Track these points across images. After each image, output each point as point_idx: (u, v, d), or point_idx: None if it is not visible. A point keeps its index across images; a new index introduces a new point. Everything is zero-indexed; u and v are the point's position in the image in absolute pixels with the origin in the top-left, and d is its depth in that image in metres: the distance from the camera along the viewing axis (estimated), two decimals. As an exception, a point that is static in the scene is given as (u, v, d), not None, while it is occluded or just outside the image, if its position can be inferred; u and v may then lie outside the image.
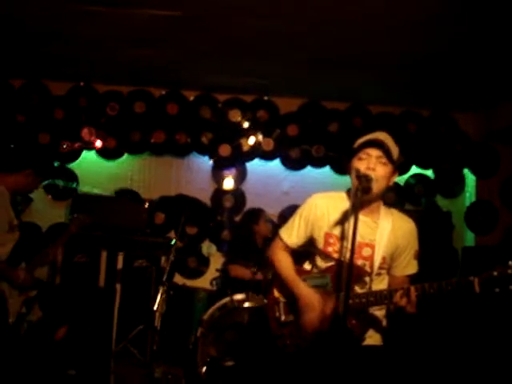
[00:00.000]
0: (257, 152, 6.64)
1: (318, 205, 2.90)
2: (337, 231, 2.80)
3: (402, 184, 6.78)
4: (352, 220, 2.44)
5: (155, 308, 4.87)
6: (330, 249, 2.82)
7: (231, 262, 5.61)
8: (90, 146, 6.46)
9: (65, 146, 6.38)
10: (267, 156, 6.68)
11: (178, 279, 6.36)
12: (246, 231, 5.77)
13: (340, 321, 2.50)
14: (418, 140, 6.71)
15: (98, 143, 6.45)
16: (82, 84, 6.45)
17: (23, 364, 3.67)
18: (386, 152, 2.70)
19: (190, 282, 6.41)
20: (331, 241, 2.81)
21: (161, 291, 4.92)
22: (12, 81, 6.41)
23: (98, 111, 6.47)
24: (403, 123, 6.71)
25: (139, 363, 5.38)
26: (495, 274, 2.44)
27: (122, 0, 4.33)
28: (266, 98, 6.62)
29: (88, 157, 6.55)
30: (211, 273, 6.31)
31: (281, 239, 3.03)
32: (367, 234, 2.78)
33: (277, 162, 6.73)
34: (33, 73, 6.27)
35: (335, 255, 2.80)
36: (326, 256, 2.85)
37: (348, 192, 2.89)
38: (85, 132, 6.42)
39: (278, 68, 5.62)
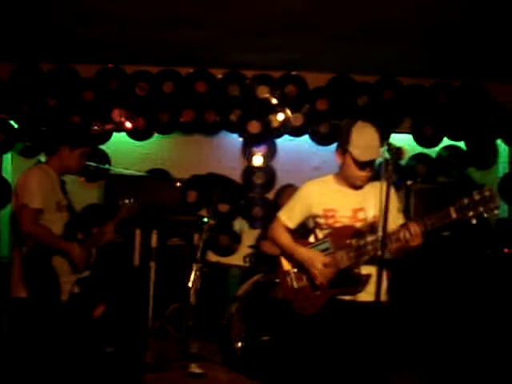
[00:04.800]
0: (286, 128, 6.60)
1: (312, 190, 3.41)
2: (334, 205, 3.30)
3: (433, 156, 6.72)
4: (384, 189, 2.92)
5: (190, 285, 4.95)
6: (330, 220, 3.31)
7: (263, 238, 5.64)
8: (120, 127, 6.52)
9: (96, 128, 6.45)
10: (296, 132, 6.64)
11: (211, 257, 6.43)
12: (276, 207, 5.79)
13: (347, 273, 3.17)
14: (449, 111, 6.62)
15: (128, 124, 6.50)
16: (110, 66, 6.49)
17: (62, 341, 3.72)
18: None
19: (222, 260, 6.47)
20: (330, 214, 3.31)
21: (195, 269, 5.00)
22: (40, 64, 6.46)
23: (127, 92, 6.51)
24: (434, 95, 6.61)
25: (175, 339, 5.45)
26: (465, 200, 2.95)
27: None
28: (294, 73, 6.58)
29: (119, 138, 6.61)
30: (244, 250, 6.36)
31: (280, 221, 3.51)
32: (358, 201, 3.29)
33: (306, 138, 6.68)
34: (61, 56, 6.30)
35: (336, 224, 3.30)
36: (328, 227, 3.34)
37: (335, 175, 3.39)
38: (115, 113, 6.48)
39: (306, 42, 5.56)
